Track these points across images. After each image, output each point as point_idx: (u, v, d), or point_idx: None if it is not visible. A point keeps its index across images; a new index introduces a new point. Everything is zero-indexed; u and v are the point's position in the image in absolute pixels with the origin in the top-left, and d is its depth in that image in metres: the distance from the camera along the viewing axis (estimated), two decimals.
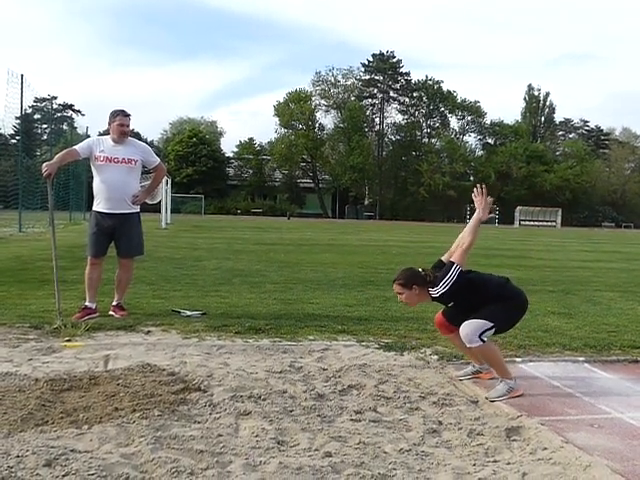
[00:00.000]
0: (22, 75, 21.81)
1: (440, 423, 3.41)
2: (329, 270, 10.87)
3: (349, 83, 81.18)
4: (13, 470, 2.58)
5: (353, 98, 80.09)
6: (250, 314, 6.21)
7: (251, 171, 79.51)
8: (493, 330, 3.97)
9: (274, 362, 4.52)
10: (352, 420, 3.39)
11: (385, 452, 2.97)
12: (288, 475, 2.67)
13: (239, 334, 5.36)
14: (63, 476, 2.56)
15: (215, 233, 25.01)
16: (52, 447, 2.83)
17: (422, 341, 5.31)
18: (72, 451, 2.81)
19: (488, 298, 4.02)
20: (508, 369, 4.07)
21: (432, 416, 3.51)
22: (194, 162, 70.67)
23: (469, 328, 3.91)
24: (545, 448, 3.09)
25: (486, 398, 3.86)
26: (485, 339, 3.93)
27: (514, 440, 3.21)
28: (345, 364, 4.49)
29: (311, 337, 5.38)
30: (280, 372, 4.25)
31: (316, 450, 2.96)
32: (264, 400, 3.63)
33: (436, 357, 4.82)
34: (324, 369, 4.37)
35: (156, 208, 28.19)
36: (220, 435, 3.08)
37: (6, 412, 3.25)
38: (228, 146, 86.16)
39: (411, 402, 3.73)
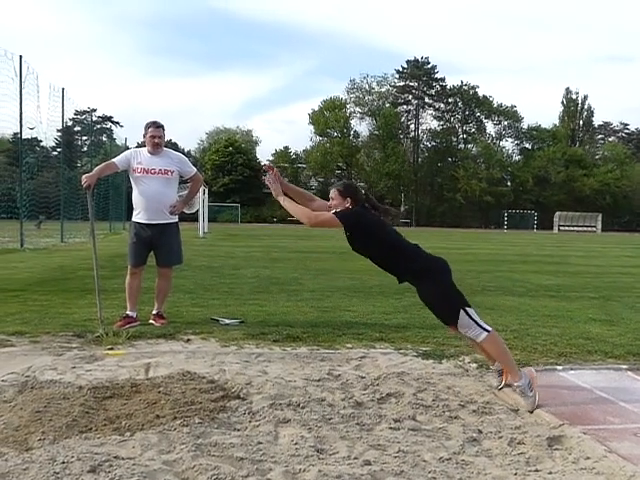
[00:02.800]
0: (63, 89, 22.34)
1: (480, 432, 3.38)
2: (365, 277, 10.83)
3: (384, 90, 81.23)
4: (59, 476, 2.63)
5: (388, 105, 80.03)
6: (288, 322, 6.24)
7: (287, 179, 79.59)
8: (470, 310, 3.96)
9: (312, 370, 4.53)
10: (391, 428, 3.38)
11: (425, 461, 2.96)
12: None
13: (277, 342, 5.39)
14: None
15: (252, 241, 25.18)
16: (96, 453, 2.89)
17: (460, 349, 5.27)
18: (115, 458, 2.86)
19: (400, 262, 4.07)
20: (515, 366, 4.02)
21: (472, 425, 3.48)
22: (230, 171, 71.33)
23: (466, 330, 3.95)
24: (588, 457, 3.04)
25: (529, 412, 3.78)
26: (484, 325, 3.94)
27: (556, 449, 3.17)
28: (383, 372, 4.48)
29: (349, 345, 5.38)
30: (318, 380, 4.27)
31: (355, 458, 2.95)
32: (303, 408, 3.64)
33: (475, 365, 4.77)
34: (362, 377, 4.37)
35: (194, 217, 28.54)
36: (260, 443, 3.10)
37: (51, 419, 3.32)
38: (264, 155, 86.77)
39: (450, 410, 3.70)
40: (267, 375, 4.35)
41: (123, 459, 2.86)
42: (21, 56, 18.02)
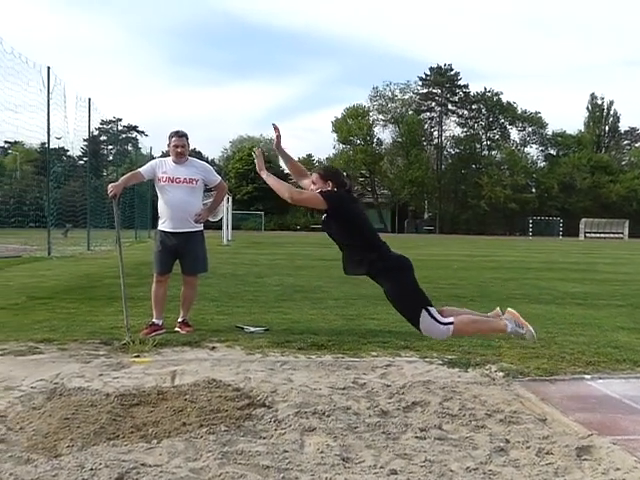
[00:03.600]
0: (89, 99, 22.65)
1: (507, 441, 3.34)
2: None
3: (407, 97, 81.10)
4: None
5: (411, 112, 79.89)
6: (312, 330, 6.24)
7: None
8: (431, 309, 4.00)
9: (337, 378, 4.53)
10: (417, 437, 3.36)
11: (452, 470, 2.94)
12: None
13: (302, 350, 5.39)
14: None
15: (276, 249, 25.25)
16: (124, 461, 2.91)
17: (487, 357, 5.23)
18: (143, 465, 2.88)
19: (372, 256, 4.07)
20: (493, 323, 4.09)
21: (499, 434, 3.45)
22: (254, 179, 71.45)
23: (429, 332, 4.05)
24: (618, 468, 3.00)
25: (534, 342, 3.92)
26: (445, 321, 3.97)
27: (585, 460, 3.12)
28: (409, 380, 4.46)
29: (374, 353, 5.36)
30: (343, 388, 4.26)
31: (381, 467, 2.94)
32: (328, 416, 3.63)
33: (502, 374, 4.73)
34: (388, 385, 4.36)
35: (218, 225, 28.69)
36: (285, 451, 3.10)
37: (79, 426, 3.35)
38: None
39: (477, 420, 3.67)
40: (292, 383, 4.35)
41: (150, 466, 2.87)
42: (49, 67, 18.34)
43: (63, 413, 3.54)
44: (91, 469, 2.80)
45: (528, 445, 3.28)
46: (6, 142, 44.65)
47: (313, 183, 4.26)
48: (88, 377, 4.45)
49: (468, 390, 4.28)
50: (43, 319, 6.69)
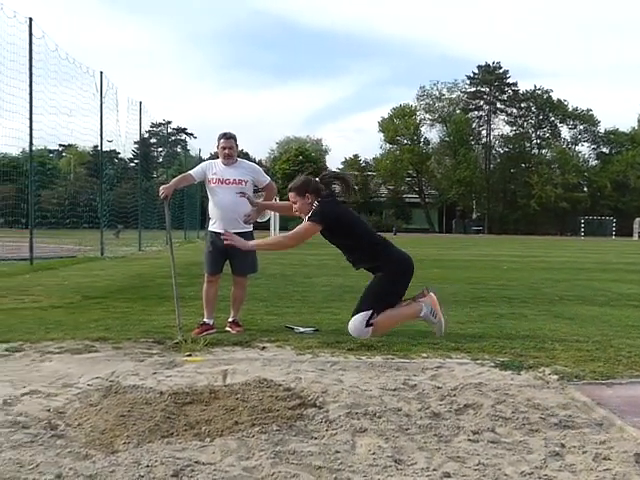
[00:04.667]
0: (140, 102, 23.12)
1: (563, 446, 3.27)
2: (438, 286, 10.65)
3: (454, 96, 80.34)
4: (144, 479, 2.71)
5: (459, 111, 79.10)
6: None
7: (356, 187, 79.68)
8: (375, 314, 4.03)
9: (388, 379, 4.51)
10: (470, 440, 3.32)
11: (506, 474, 2.89)
12: None
13: (352, 351, 5.38)
14: None
15: (323, 249, 25.21)
16: (178, 458, 2.95)
17: (540, 360, 5.13)
18: (197, 463, 2.92)
19: (358, 248, 3.92)
20: (411, 310, 4.13)
21: (554, 438, 3.38)
22: None
23: (353, 326, 3.95)
24: None
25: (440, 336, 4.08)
26: (372, 321, 3.98)
27: None
28: (460, 383, 4.41)
29: (424, 355, 5.32)
30: (394, 390, 4.24)
31: (434, 470, 2.92)
32: (379, 418, 3.62)
33: (556, 377, 4.63)
34: (439, 387, 4.32)
35: (266, 226, 28.90)
36: (337, 452, 3.10)
37: (135, 423, 3.42)
38: (334, 163, 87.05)
39: (531, 423, 3.60)
40: (343, 384, 4.35)
41: (204, 464, 2.91)
42: (102, 72, 18.78)
43: (119, 410, 3.61)
44: (147, 466, 2.85)
45: (584, 450, 3.21)
46: (60, 145, 45.89)
47: (294, 203, 4.19)
48: (142, 375, 4.54)
49: (521, 393, 4.21)
50: (98, 318, 6.85)
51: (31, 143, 14.70)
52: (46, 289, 9.77)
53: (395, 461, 3.01)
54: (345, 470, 2.88)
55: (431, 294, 4.01)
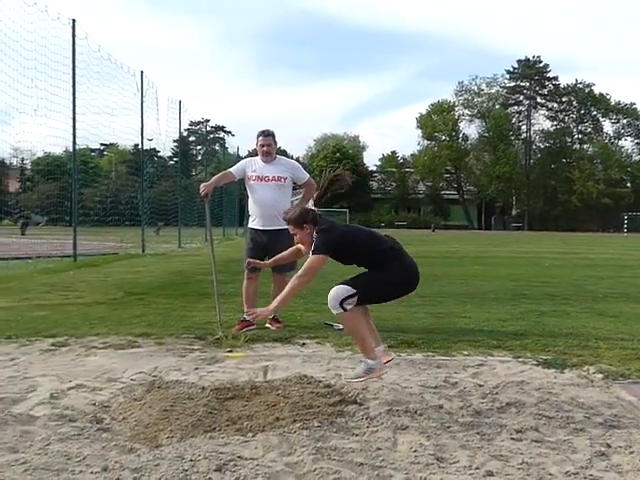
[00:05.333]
0: (180, 101, 23.36)
1: (609, 446, 3.21)
2: (479, 283, 10.62)
3: (493, 91, 79.42)
4: (188, 473, 2.74)
5: (498, 106, 78.14)
6: (401, 328, 6.20)
7: (394, 184, 79.65)
8: (356, 298, 3.78)
9: (428, 377, 4.48)
10: (513, 439, 3.28)
11: (550, 474, 2.85)
12: None
13: (392, 348, 5.36)
14: None
15: None
16: (221, 453, 2.98)
17: (584, 358, 5.04)
18: (239, 458, 2.95)
19: (369, 261, 3.89)
20: (371, 347, 3.86)
21: (599, 438, 3.32)
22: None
23: (332, 293, 3.79)
24: None
25: (345, 379, 3.76)
26: (347, 307, 3.75)
27: None
28: (502, 381, 4.36)
29: (465, 352, 5.28)
30: (435, 387, 4.22)
31: (477, 469, 2.89)
32: (420, 415, 3.61)
33: (600, 375, 4.55)
34: (480, 385, 4.28)
35: None
36: (379, 449, 3.10)
37: (178, 418, 3.46)
38: (371, 160, 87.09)
39: (575, 422, 3.54)
40: (383, 381, 4.33)
41: (246, 459, 2.93)
42: (142, 72, 19.03)
43: (162, 405, 3.67)
44: (190, 460, 2.89)
45: (631, 450, 3.14)
46: (102, 144, 46.70)
47: (294, 235, 4.19)
48: (184, 371, 4.60)
49: (565, 392, 4.14)
50: (140, 314, 6.96)
51: (74, 142, 14.99)
52: (89, 285, 9.96)
53: (437, 459, 2.99)
54: (387, 467, 2.88)
55: (384, 366, 3.94)
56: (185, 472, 2.75)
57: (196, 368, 4.64)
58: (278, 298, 3.99)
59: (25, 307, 7.54)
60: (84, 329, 6.06)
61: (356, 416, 3.57)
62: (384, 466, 2.89)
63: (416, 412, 3.65)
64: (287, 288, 3.97)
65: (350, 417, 3.56)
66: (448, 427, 3.42)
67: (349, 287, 3.79)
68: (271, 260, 4.72)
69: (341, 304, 3.78)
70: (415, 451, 3.08)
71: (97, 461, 2.87)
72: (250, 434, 3.28)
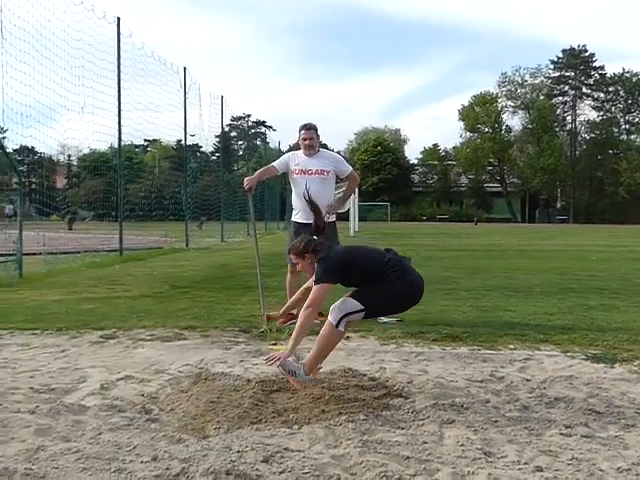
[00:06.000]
0: (222, 97, 23.53)
1: None
2: (524, 277, 10.47)
3: (537, 82, 77.94)
4: (235, 464, 2.76)
5: (542, 97, 76.72)
6: (446, 321, 6.15)
7: (436, 177, 79.02)
8: (362, 314, 3.76)
9: (474, 371, 4.44)
10: (562, 434, 3.22)
11: (601, 470, 2.79)
12: None
13: (436, 341, 5.33)
14: (280, 473, 2.70)
15: (402, 240, 25.13)
16: (268, 444, 3.00)
17: (634, 353, 4.92)
18: (286, 449, 2.96)
19: (373, 278, 3.82)
20: (317, 368, 3.83)
21: None
22: (379, 170, 71.68)
23: (340, 304, 3.75)
24: None
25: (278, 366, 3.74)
26: (342, 327, 3.75)
27: None
28: (550, 375, 4.30)
29: (511, 346, 5.21)
30: (481, 381, 4.17)
31: (525, 464, 2.85)
32: (467, 409, 3.57)
33: None
34: (527, 380, 4.22)
35: (344, 216, 28.99)
36: (425, 442, 3.08)
37: (224, 409, 3.50)
38: (412, 153, 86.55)
39: (626, 418, 3.47)
40: (428, 374, 4.32)
41: (293, 451, 2.95)
42: (185, 68, 19.24)
43: (209, 397, 3.71)
44: (238, 451, 2.91)
45: None
46: (145, 140, 47.38)
47: (297, 263, 4.18)
48: (230, 363, 4.65)
49: (615, 387, 4.06)
50: (185, 307, 7.05)
51: (120, 138, 15.24)
52: (135, 279, 10.14)
53: (484, 453, 2.96)
54: (434, 461, 2.86)
55: (302, 384, 3.88)
56: (233, 463, 2.77)
57: (241, 360, 4.68)
58: (292, 338, 3.95)
59: (74, 300, 7.71)
60: (131, 322, 6.17)
61: (402, 409, 3.55)
62: (431, 460, 2.87)
63: (462, 406, 3.61)
64: (297, 326, 3.90)
65: (395, 410, 3.54)
66: (495, 421, 3.38)
67: (358, 303, 3.75)
68: (284, 307, 4.70)
69: (342, 318, 3.75)
70: (462, 445, 3.05)
71: (147, 451, 2.92)
72: (296, 426, 3.30)
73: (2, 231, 9.91)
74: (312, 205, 4.40)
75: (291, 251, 4.15)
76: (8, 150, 10.76)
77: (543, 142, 72.67)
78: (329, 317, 3.77)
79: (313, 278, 3.98)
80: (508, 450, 3.00)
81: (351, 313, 3.75)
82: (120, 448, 2.96)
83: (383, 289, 3.81)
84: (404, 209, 71.20)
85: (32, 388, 3.91)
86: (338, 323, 3.70)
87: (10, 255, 10.38)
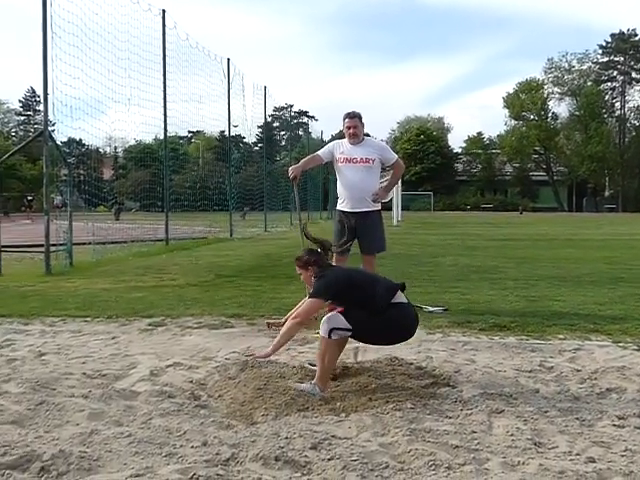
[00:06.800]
0: (265, 87, 23.58)
1: None
2: (572, 266, 10.27)
3: (585, 67, 75.94)
4: (284, 450, 2.78)
5: (590, 83, 74.78)
6: (493, 311, 6.08)
7: (480, 166, 77.98)
8: (347, 334, 3.66)
9: (522, 361, 4.38)
10: (614, 425, 3.17)
11: None
12: (550, 478, 2.56)
13: (484, 331, 5.28)
14: (328, 459, 2.71)
15: (446, 229, 24.93)
16: (315, 432, 3.02)
17: None
18: (333, 437, 2.97)
19: (366, 302, 3.74)
20: (328, 380, 3.68)
21: None
22: (422, 159, 71.08)
23: (329, 318, 3.66)
24: None
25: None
26: (334, 336, 3.61)
27: None
28: (601, 366, 4.22)
29: (560, 336, 5.12)
30: (530, 371, 4.12)
31: (577, 455, 2.81)
32: (516, 399, 3.53)
33: None
34: (578, 370, 4.15)
35: (387, 206, 28.87)
36: (474, 432, 3.06)
37: (272, 396, 3.52)
38: (456, 142, 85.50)
39: None
40: (475, 364, 4.28)
41: (341, 439, 2.96)
42: (229, 59, 19.33)
43: (256, 384, 3.74)
44: (286, 437, 2.94)
45: None
46: (189, 132, 47.89)
47: (300, 274, 4.14)
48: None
49: None
50: (231, 296, 7.12)
51: (165, 130, 15.44)
52: (181, 268, 10.29)
53: (535, 444, 2.93)
54: (483, 450, 2.84)
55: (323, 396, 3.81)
56: (281, 449, 2.80)
57: (288, 349, 4.69)
58: (275, 342, 3.97)
59: (123, 288, 7.86)
60: (179, 310, 6.27)
61: (449, 399, 3.53)
62: (480, 449, 2.85)
63: (511, 396, 3.58)
64: (282, 333, 3.94)
65: (443, 400, 3.52)
66: (545, 412, 3.34)
67: (346, 322, 3.70)
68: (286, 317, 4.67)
69: (332, 330, 3.72)
70: (512, 435, 3.02)
71: (197, 436, 2.97)
72: (343, 414, 3.31)
73: (52, 222, 10.12)
74: (307, 235, 4.39)
75: (297, 259, 4.17)
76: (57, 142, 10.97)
77: (591, 129, 70.93)
78: (320, 331, 3.73)
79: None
80: (559, 441, 2.96)
81: (340, 329, 3.70)
82: (171, 433, 3.01)
83: (376, 320, 3.76)
84: (447, 198, 70.46)
85: (85, 374, 4.01)
86: (329, 335, 3.68)
87: (61, 245, 10.62)
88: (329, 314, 3.75)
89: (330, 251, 4.27)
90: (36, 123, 68.05)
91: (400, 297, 3.85)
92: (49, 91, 9.77)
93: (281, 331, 3.98)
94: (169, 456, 2.73)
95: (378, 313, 3.72)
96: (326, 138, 42.15)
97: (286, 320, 4.24)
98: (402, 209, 36.26)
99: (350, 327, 3.66)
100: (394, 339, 3.91)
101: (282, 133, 79.95)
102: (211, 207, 21.19)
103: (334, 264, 6.27)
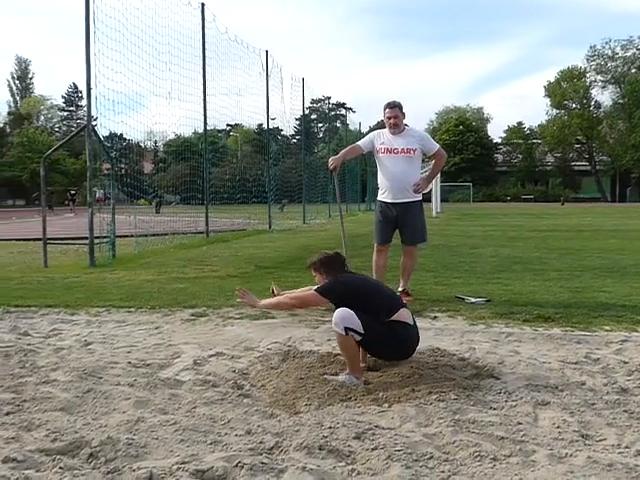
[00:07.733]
0: (303, 79, 23.58)
1: None
2: (617, 257, 10.05)
3: (629, 54, 74.02)
4: (327, 440, 2.78)
5: (634, 70, 72.94)
6: (536, 302, 5.99)
7: (520, 156, 76.87)
8: (359, 338, 3.63)
9: (567, 352, 4.31)
10: None
11: None
12: (599, 471, 2.51)
13: (527, 322, 5.20)
14: (372, 449, 2.70)
15: (486, 220, 24.64)
16: (359, 422, 3.01)
17: None
18: (377, 427, 2.96)
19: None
20: (359, 366, 3.69)
21: None
22: (461, 150, 70.40)
23: (344, 316, 3.62)
24: None
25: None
26: (350, 333, 3.58)
27: None
28: None
29: (607, 328, 5.02)
30: (575, 363, 4.05)
31: (626, 447, 2.75)
32: (562, 391, 3.48)
33: None
34: (625, 362, 4.06)
35: (426, 197, 28.66)
36: (519, 423, 3.02)
37: (314, 386, 3.53)
38: (496, 132, 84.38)
39: None
40: (519, 355, 4.22)
41: (384, 429, 2.94)
42: (267, 51, 19.40)
43: (298, 374, 3.76)
44: (330, 427, 2.94)
45: None
46: (228, 125, 48.13)
47: (314, 276, 4.10)
48: (317, 341, 4.69)
49: None
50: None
51: (205, 123, 15.56)
52: (222, 260, 10.37)
53: (582, 436, 2.88)
54: (529, 442, 2.79)
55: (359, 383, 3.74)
56: (325, 438, 2.80)
57: (329, 339, 4.70)
58: (271, 301, 4.08)
59: (165, 280, 7.96)
60: (220, 300, 6.32)
61: (493, 390, 3.49)
62: (526, 441, 2.81)
63: (557, 388, 3.53)
64: (275, 302, 4.09)
65: (487, 391, 3.49)
66: (592, 404, 3.28)
67: (361, 326, 3.67)
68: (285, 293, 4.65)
69: (347, 328, 3.68)
70: (558, 427, 2.97)
71: (241, 425, 2.99)
72: (386, 404, 3.30)
73: (95, 215, 10.30)
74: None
75: (309, 265, 4.16)
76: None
77: (635, 117, 69.23)
78: (337, 328, 3.71)
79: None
80: (607, 433, 2.91)
81: (354, 330, 3.68)
82: (215, 421, 3.04)
83: (382, 331, 3.75)
84: (487, 189, 69.67)
85: (130, 363, 4.07)
86: (346, 332, 3.67)
87: (104, 237, 10.81)
88: (344, 313, 3.71)
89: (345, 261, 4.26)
90: (79, 118, 69.39)
91: (408, 318, 3.83)
92: (92, 86, 9.92)
93: (276, 299, 4.12)
94: (214, 444, 2.75)
95: (383, 324, 3.74)
96: (364, 130, 42.04)
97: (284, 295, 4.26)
98: (441, 201, 35.97)
99: (363, 332, 3.66)
100: (393, 356, 3.94)
101: (320, 125, 79.96)
102: (250, 199, 21.31)
103: (375, 253, 6.30)
